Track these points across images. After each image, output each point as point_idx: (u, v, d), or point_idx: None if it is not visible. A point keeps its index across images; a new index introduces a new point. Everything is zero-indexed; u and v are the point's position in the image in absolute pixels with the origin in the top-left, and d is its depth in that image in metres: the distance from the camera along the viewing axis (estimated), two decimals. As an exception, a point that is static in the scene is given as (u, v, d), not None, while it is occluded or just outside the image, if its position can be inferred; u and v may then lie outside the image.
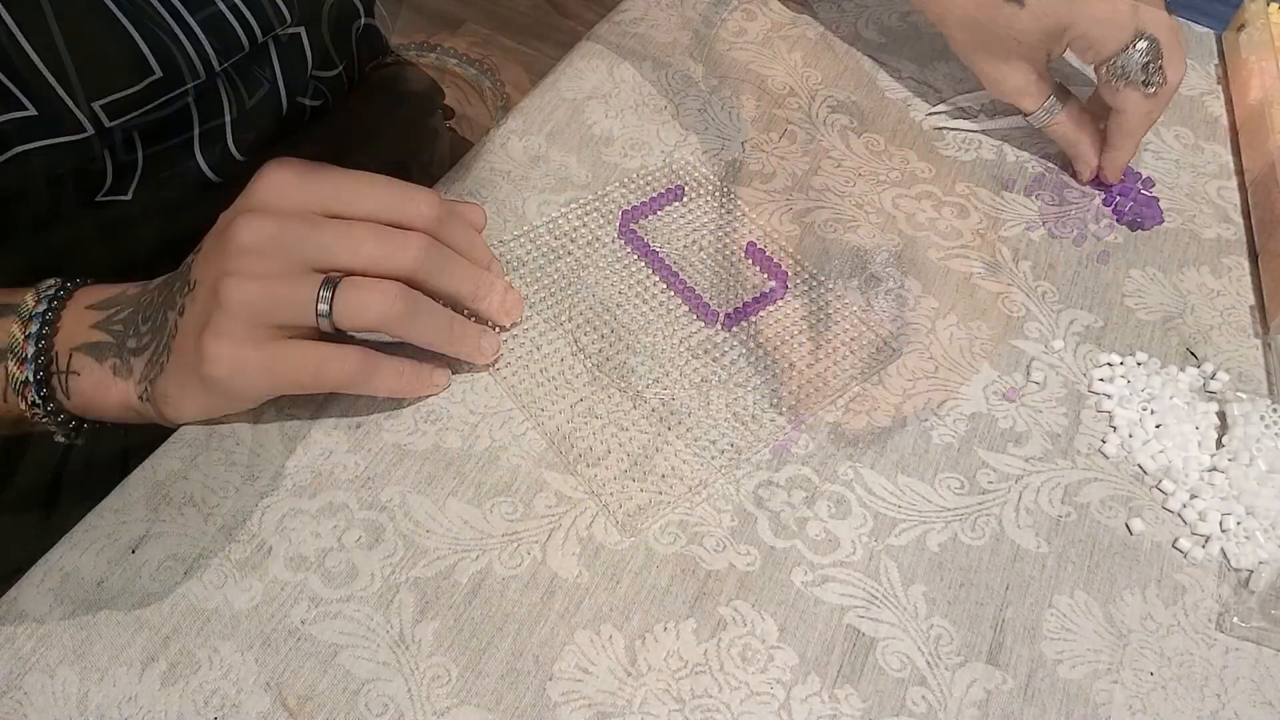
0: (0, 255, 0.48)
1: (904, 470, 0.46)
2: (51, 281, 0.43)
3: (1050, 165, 0.60)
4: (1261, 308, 0.55)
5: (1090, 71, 0.57)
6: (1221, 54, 0.70)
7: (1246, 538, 0.45)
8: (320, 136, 0.57)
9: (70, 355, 0.42)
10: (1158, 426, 0.49)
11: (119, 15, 0.43)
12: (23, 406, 0.42)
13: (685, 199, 0.55)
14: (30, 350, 0.42)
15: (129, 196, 0.49)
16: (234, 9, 0.47)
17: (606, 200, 0.54)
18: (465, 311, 0.46)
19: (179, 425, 0.43)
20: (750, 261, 0.53)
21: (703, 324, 0.50)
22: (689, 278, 0.51)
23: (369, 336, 0.42)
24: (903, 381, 0.49)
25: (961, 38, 0.59)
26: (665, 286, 0.51)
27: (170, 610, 0.39)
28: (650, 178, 0.56)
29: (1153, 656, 0.42)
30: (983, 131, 0.62)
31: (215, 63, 0.47)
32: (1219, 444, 0.48)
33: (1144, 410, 0.49)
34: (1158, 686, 0.41)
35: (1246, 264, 0.57)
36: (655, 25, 0.65)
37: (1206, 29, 0.71)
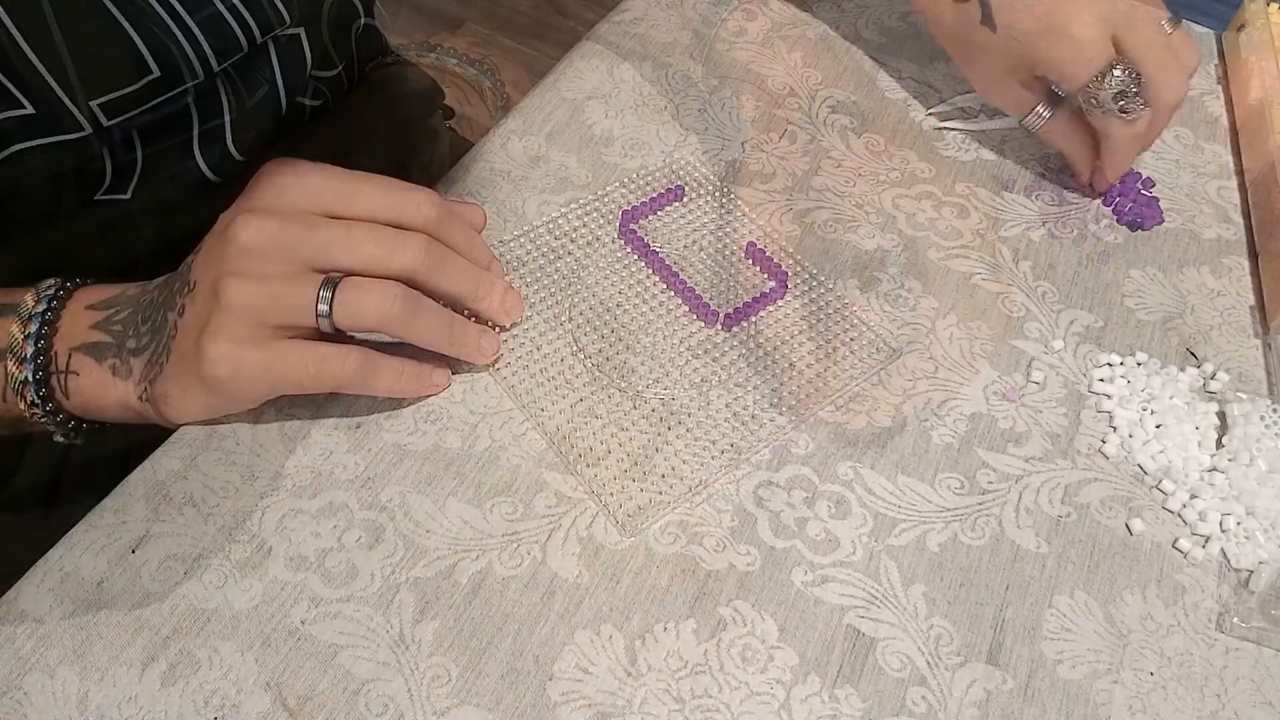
0: (-1, 255, 0.48)
1: (904, 470, 0.46)
2: (51, 281, 0.43)
3: (1050, 165, 0.60)
4: (1261, 308, 0.55)
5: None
6: (1221, 54, 0.70)
7: (1246, 538, 0.45)
8: (320, 136, 0.57)
9: (70, 355, 0.42)
10: (1158, 427, 0.49)
11: (118, 15, 0.43)
12: (22, 406, 0.42)
13: (685, 199, 0.55)
14: (30, 350, 0.42)
15: (128, 196, 0.49)
16: (233, 10, 0.46)
17: (606, 200, 0.54)
18: (465, 311, 0.46)
19: (179, 425, 0.43)
20: (750, 261, 0.53)
21: (703, 324, 0.50)
22: (689, 278, 0.51)
23: (369, 336, 0.42)
24: (903, 381, 0.49)
25: (949, 47, 0.60)
26: (665, 286, 0.51)
27: (170, 610, 0.39)
28: (650, 178, 0.56)
29: (1153, 656, 0.42)
30: (983, 131, 0.62)
31: (214, 63, 0.47)
32: (1219, 444, 0.48)
33: (1144, 410, 0.49)
34: (1158, 686, 0.41)
35: (1246, 264, 0.57)
36: (655, 25, 0.65)
37: (1206, 29, 0.71)
